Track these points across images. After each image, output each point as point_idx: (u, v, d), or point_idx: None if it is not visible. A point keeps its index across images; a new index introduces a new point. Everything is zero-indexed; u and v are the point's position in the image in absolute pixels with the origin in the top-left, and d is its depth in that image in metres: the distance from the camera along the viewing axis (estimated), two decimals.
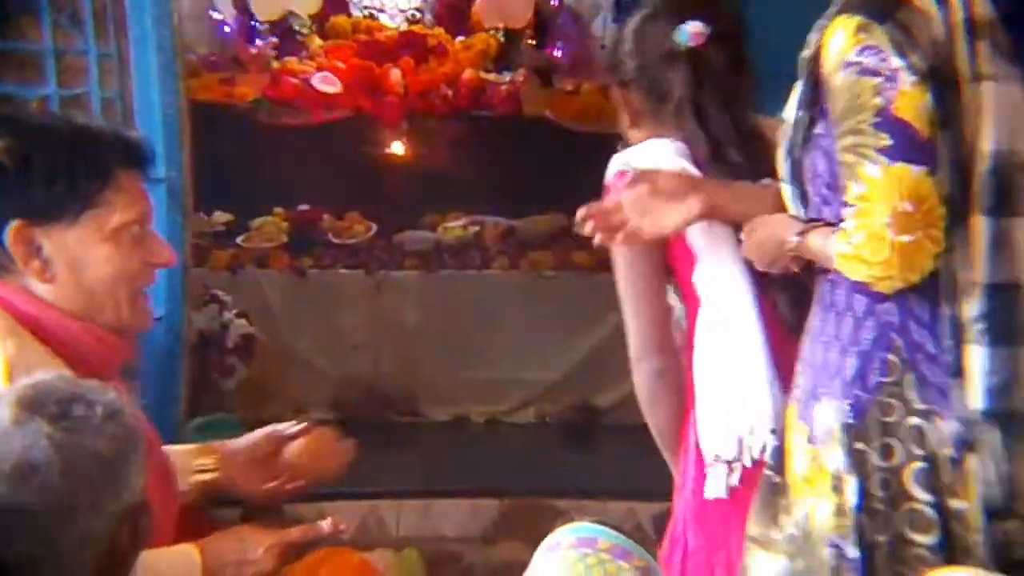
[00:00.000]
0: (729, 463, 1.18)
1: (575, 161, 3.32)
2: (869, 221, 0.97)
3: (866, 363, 1.04)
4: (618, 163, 1.27)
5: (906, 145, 0.98)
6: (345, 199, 3.14)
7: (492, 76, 3.48)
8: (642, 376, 1.25)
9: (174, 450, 1.22)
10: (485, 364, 2.95)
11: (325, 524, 1.13)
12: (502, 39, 3.68)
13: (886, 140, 0.98)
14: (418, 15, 3.67)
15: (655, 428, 1.28)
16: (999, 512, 1.01)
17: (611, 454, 2.66)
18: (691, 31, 1.18)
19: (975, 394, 1.00)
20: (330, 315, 2.92)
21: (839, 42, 1.01)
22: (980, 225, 1.00)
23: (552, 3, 3.72)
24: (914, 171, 0.97)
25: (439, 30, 3.62)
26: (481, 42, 3.62)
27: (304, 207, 3.10)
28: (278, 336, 2.83)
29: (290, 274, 2.91)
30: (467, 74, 3.41)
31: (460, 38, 3.62)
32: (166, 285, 1.92)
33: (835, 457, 1.04)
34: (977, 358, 0.99)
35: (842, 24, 1.02)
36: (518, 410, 2.98)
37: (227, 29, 3.30)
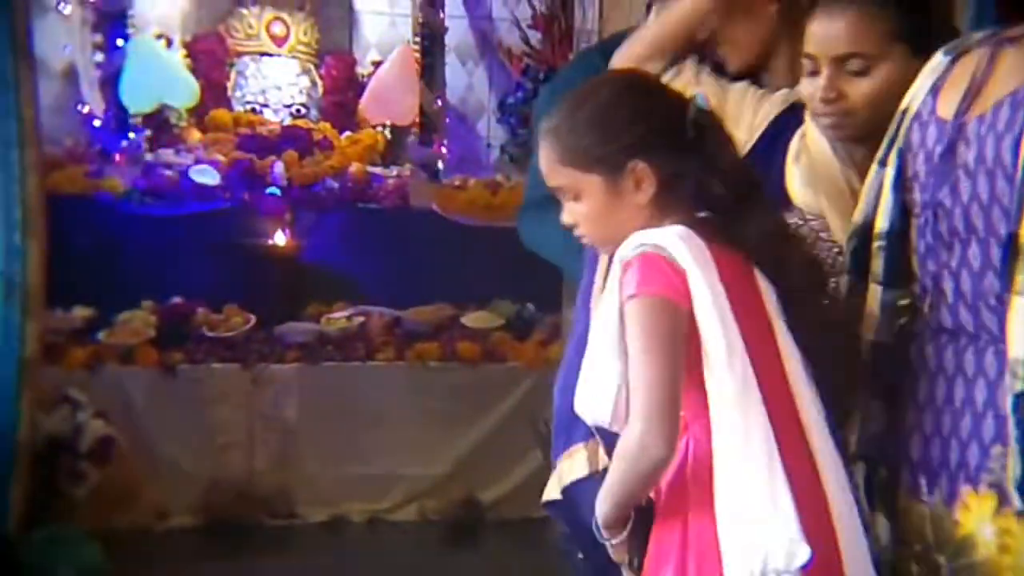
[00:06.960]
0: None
1: (461, 253, 3.36)
2: None
3: None
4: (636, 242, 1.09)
5: None
6: (222, 291, 3.02)
7: (379, 170, 3.50)
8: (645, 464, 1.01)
9: None
10: (367, 459, 2.82)
11: None
12: (388, 136, 3.74)
13: None
14: (303, 110, 3.69)
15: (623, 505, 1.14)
16: None
17: (495, 553, 2.56)
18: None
19: None
20: (200, 413, 2.75)
21: None
22: None
23: (436, 104, 3.81)
24: None
25: (325, 125, 3.64)
26: (368, 137, 3.65)
27: (176, 300, 2.97)
28: (140, 437, 2.64)
29: (157, 370, 2.76)
30: (353, 167, 3.42)
31: (347, 133, 3.65)
32: None
33: None
34: None
35: None
36: (400, 507, 2.85)
37: (96, 123, 3.22)
